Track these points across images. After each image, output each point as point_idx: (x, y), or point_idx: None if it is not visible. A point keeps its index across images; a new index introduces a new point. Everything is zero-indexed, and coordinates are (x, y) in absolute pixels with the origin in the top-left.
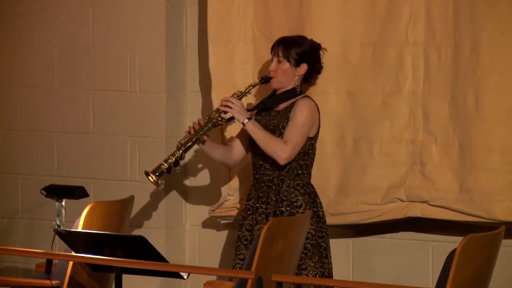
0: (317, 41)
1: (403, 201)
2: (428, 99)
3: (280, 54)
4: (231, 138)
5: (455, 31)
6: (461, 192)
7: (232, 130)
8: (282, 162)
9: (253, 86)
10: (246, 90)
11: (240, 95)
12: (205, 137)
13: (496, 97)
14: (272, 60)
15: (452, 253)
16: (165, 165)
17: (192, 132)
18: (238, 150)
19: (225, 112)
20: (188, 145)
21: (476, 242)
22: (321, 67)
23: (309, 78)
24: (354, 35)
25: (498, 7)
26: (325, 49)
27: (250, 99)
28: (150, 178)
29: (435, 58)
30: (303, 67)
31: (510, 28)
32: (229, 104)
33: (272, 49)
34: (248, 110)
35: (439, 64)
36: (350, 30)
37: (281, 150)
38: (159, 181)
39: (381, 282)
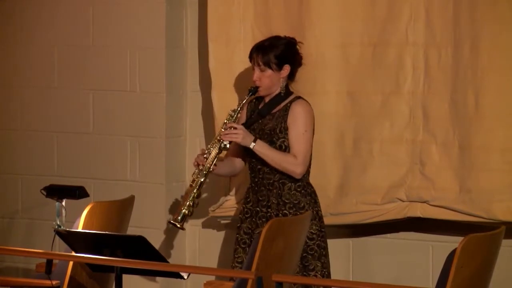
0: (317, 41)
1: (403, 201)
2: (428, 99)
3: (260, 62)
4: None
5: (455, 31)
6: (461, 192)
7: None
8: (298, 176)
9: (244, 101)
10: (238, 107)
11: (235, 114)
12: (213, 167)
13: (496, 97)
14: (253, 69)
15: (452, 253)
16: (186, 209)
17: (201, 167)
18: (239, 158)
19: None
20: (201, 182)
21: (476, 242)
22: (301, 58)
23: (293, 75)
24: (354, 35)
25: (498, 7)
26: (301, 42)
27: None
28: (177, 226)
29: (435, 58)
30: (286, 69)
31: (510, 28)
32: (233, 133)
33: (251, 57)
34: (245, 124)
35: (439, 64)
36: (350, 30)
37: (294, 166)
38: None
39: (381, 282)
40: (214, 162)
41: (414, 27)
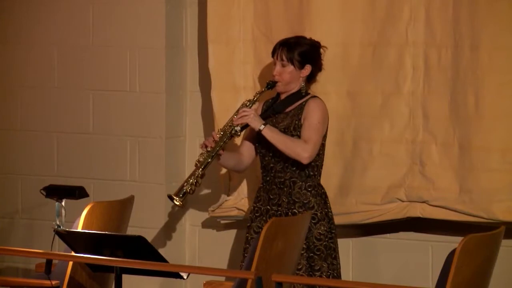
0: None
1: (403, 201)
2: (428, 99)
3: (284, 57)
4: (239, 144)
5: (455, 31)
6: (461, 192)
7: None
8: (305, 161)
9: (260, 93)
10: (254, 98)
11: (250, 104)
12: (221, 151)
13: (496, 97)
14: (275, 64)
15: (452, 253)
16: (188, 186)
17: (209, 149)
18: (247, 154)
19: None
20: (207, 162)
21: (476, 242)
22: (322, 64)
23: (312, 77)
24: (354, 35)
25: (498, 7)
26: (326, 47)
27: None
28: (175, 201)
29: (435, 58)
30: (307, 68)
31: (510, 28)
32: (244, 115)
33: (274, 52)
34: None
35: (439, 64)
36: (350, 30)
37: (302, 150)
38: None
39: (381, 282)
40: (222, 145)
41: (414, 27)
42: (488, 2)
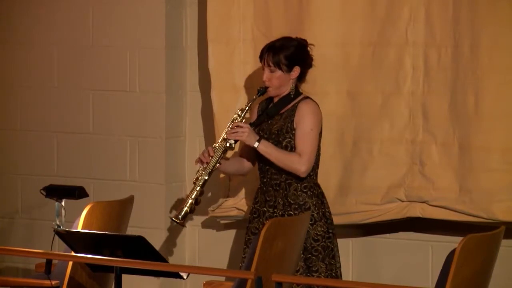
0: (317, 42)
1: (403, 201)
2: (428, 99)
3: (270, 63)
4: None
5: (455, 31)
6: (461, 192)
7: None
8: (302, 175)
9: (252, 101)
10: (246, 107)
11: (242, 113)
12: (218, 165)
13: (496, 97)
14: (263, 69)
15: (452, 253)
16: (187, 206)
17: (205, 166)
18: (249, 158)
19: None
20: (204, 180)
21: (476, 242)
22: (312, 60)
23: (303, 76)
24: (354, 35)
25: (498, 7)
26: (312, 44)
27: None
28: (177, 222)
29: (435, 58)
30: (296, 70)
31: (510, 28)
32: (238, 131)
33: (261, 57)
34: (252, 124)
35: (439, 64)
36: (350, 30)
37: (298, 164)
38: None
39: (381, 282)
40: (218, 160)
41: (414, 27)
42: (488, 2)
